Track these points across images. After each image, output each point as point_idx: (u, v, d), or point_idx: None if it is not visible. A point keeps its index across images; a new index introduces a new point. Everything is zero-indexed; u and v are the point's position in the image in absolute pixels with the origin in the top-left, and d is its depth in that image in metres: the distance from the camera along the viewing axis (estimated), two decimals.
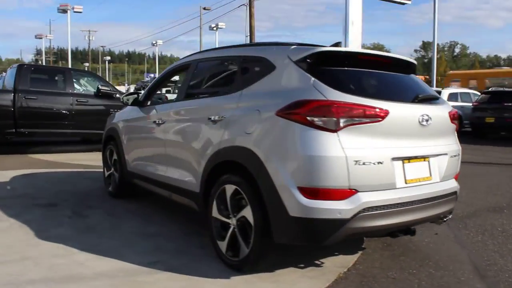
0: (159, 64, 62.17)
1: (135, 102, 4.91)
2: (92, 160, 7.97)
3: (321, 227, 2.74)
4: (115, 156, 5.34)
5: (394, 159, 2.92)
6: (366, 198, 2.78)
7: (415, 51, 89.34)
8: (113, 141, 5.39)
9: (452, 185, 3.37)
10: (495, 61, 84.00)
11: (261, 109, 3.04)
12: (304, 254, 3.56)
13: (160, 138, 4.25)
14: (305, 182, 2.73)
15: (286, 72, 3.09)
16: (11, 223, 4.21)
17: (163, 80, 5.06)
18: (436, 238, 4.08)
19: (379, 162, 2.83)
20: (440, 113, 3.29)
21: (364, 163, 2.77)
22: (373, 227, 2.85)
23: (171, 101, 5.20)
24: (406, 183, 2.99)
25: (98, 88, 9.33)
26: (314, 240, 2.83)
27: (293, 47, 3.19)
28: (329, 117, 2.74)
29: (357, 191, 2.76)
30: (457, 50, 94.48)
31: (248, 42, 22.87)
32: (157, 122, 4.31)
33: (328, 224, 2.72)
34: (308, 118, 2.75)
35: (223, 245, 3.30)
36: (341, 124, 2.74)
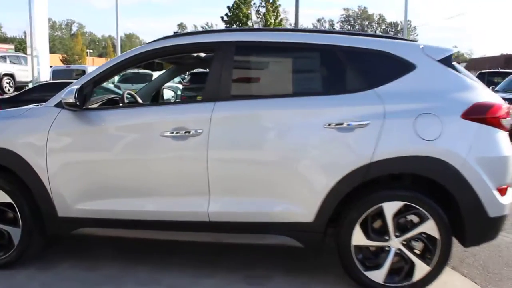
0: None
1: (72, 104, 2.92)
2: None
3: (503, 222, 2.85)
4: (4, 199, 3.01)
5: None
6: None
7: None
8: None
9: None
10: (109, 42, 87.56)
11: (435, 112, 2.72)
12: None
13: (194, 156, 2.83)
14: (501, 182, 2.76)
15: (434, 72, 2.86)
16: None
17: (123, 68, 3.18)
18: None
19: None
20: None
21: None
22: None
23: (189, 101, 3.36)
24: None
25: None
26: (495, 236, 2.89)
27: (423, 45, 2.98)
28: (507, 119, 2.82)
29: None
30: (74, 28, 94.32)
31: None
32: (177, 133, 2.83)
33: (505, 217, 2.85)
34: (501, 120, 2.77)
35: (378, 274, 2.79)
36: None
